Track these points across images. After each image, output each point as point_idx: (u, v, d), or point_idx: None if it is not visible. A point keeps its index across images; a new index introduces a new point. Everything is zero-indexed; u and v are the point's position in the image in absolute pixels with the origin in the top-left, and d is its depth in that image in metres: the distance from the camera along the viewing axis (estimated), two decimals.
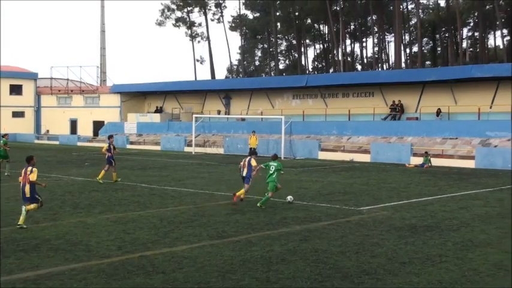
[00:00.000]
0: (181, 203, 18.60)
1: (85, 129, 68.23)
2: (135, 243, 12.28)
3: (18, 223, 13.84)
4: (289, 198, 18.94)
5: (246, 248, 11.91)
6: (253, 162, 18.63)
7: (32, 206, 14.12)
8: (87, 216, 15.71)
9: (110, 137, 26.39)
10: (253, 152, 19.64)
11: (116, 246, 12.03)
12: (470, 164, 36.43)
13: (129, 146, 57.17)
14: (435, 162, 36.93)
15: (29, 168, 14.24)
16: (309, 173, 30.47)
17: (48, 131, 71.37)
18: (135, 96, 67.36)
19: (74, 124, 69.96)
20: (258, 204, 17.69)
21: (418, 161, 37.33)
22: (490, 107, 43.13)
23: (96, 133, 66.39)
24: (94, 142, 62.37)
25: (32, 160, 14.50)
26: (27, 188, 14.11)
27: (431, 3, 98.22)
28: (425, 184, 25.54)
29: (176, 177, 27.59)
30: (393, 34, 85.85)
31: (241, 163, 19.06)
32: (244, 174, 18.80)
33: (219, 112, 59.14)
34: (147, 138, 59.23)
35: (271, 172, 18.22)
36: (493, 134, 39.89)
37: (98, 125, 66.95)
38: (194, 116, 52.46)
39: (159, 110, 64.73)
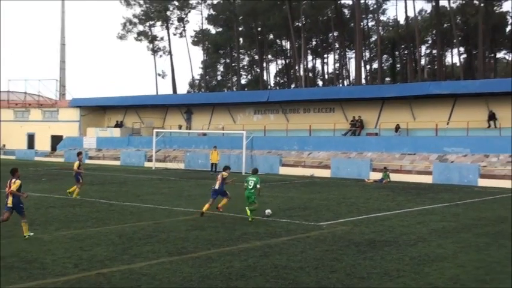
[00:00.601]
0: (140, 219, 18.42)
1: (43, 143, 67.07)
2: (92, 261, 12.10)
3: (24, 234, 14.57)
4: (268, 211, 19.19)
5: (205, 264, 11.84)
6: (224, 174, 19.47)
7: (24, 227, 14.70)
8: (43, 233, 15.43)
9: (79, 153, 26.32)
10: (226, 167, 20.18)
11: (73, 263, 11.83)
12: (427, 179, 36.99)
13: (88, 161, 56.38)
14: (394, 177, 37.38)
15: (13, 180, 14.79)
16: (270, 188, 30.50)
17: (4, 145, 69.97)
18: (95, 110, 66.62)
19: (31, 138, 68.73)
20: (250, 219, 18.04)
21: (377, 176, 37.75)
22: (447, 123, 43.93)
23: (54, 148, 65.35)
24: (52, 157, 61.43)
25: (16, 172, 15.02)
26: (10, 198, 14.69)
27: (391, 21, 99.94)
28: (384, 199, 25.81)
29: (136, 192, 27.34)
30: (354, 50, 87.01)
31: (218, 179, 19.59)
32: (216, 187, 19.40)
33: (180, 127, 58.91)
34: (107, 153, 58.59)
35: (250, 187, 18.52)
36: (450, 150, 40.59)
37: (56, 140, 65.89)
38: (155, 130, 52.15)
39: (119, 125, 64.13)
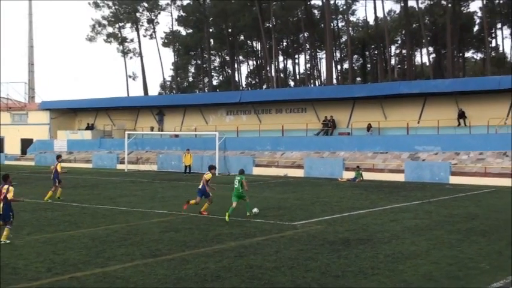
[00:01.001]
0: (113, 221, 18.27)
1: (12, 147, 66.10)
2: (65, 264, 11.96)
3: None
4: (255, 210, 19.68)
5: (180, 266, 11.78)
6: (207, 176, 20.09)
7: (6, 231, 14.48)
8: (14, 237, 15.17)
9: (59, 157, 26.88)
10: (212, 167, 20.88)
11: (45, 268, 11.68)
12: (400, 177, 37.32)
13: None
14: (366, 176, 37.65)
15: (5, 187, 14.61)
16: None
17: None
18: (65, 113, 65.89)
19: (0, 142, 67.76)
20: (227, 218, 18.25)
21: (350, 175, 37.98)
22: (418, 122, 44.37)
23: (24, 151, 64.52)
24: (22, 160, 60.64)
25: (8, 178, 14.91)
26: (1, 206, 14.47)
27: (360, 21, 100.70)
28: (358, 198, 25.97)
29: (108, 195, 27.12)
30: (324, 51, 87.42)
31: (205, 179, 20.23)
32: (200, 187, 20.22)
33: (152, 129, 58.59)
34: (78, 156, 58.03)
35: (236, 186, 19.21)
36: (421, 148, 41.00)
37: (26, 143, 65.04)
38: (127, 132, 51.81)
39: (90, 127, 63.54)
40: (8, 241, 14.44)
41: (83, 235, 15.64)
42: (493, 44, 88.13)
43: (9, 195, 14.58)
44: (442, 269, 11.54)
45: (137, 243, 14.32)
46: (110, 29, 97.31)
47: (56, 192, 24.93)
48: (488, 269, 11.60)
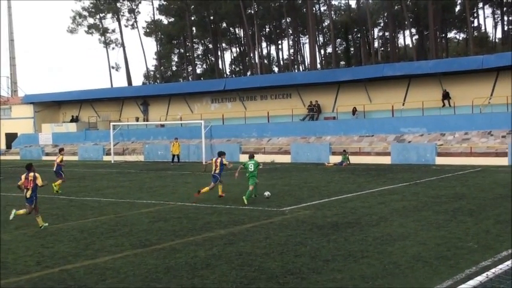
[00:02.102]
0: (101, 213, 18.22)
1: None
2: (55, 257, 11.92)
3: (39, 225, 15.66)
4: (267, 193, 20.50)
5: (170, 255, 11.78)
6: (225, 161, 21.08)
7: (22, 211, 16.12)
8: (3, 232, 15.12)
9: (62, 150, 28.07)
10: (222, 153, 21.60)
11: (35, 261, 11.63)
12: (386, 160, 37.51)
13: (45, 158, 55.53)
14: (353, 160, 37.79)
15: (31, 174, 16.01)
16: (231, 176, 30.46)
17: None
18: (49, 106, 65.47)
19: None
20: (245, 201, 19.15)
21: (336, 159, 38.11)
22: (403, 104, 44.54)
23: (9, 146, 64.10)
24: (7, 155, 60.23)
25: (32, 167, 16.36)
26: (29, 192, 15.83)
27: (342, 5, 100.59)
28: (345, 182, 26.07)
29: (96, 187, 27.04)
30: (307, 36, 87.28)
31: (212, 162, 21.21)
32: (215, 172, 20.85)
33: (137, 119, 58.38)
34: (64, 149, 57.63)
35: (251, 170, 20.14)
36: (406, 130, 41.20)
37: (10, 138, 64.61)
38: (112, 124, 51.58)
39: (74, 119, 63.21)
40: (46, 224, 15.86)
41: (72, 227, 15.59)
42: (475, 24, 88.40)
43: (39, 182, 15.96)
44: (431, 249, 11.63)
45: (126, 234, 14.30)
46: (91, 20, 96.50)
47: (57, 184, 25.07)
48: (476, 248, 11.70)
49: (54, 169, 26.00)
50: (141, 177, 32.45)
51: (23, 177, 16.24)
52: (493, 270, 4.76)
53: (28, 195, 15.88)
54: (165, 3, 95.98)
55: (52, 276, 10.41)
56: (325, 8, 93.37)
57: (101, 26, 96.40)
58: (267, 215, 16.90)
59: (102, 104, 62.61)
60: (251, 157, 21.28)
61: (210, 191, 20.98)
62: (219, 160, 21.01)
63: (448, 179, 26.09)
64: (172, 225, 15.44)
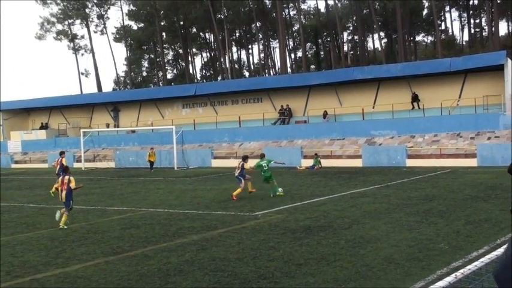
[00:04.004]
0: (72, 221, 17.98)
1: None
2: (25, 267, 11.74)
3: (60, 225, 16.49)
4: (280, 189, 22.14)
5: (142, 262, 11.69)
6: (247, 166, 22.48)
7: (64, 215, 16.78)
8: None
9: (62, 153, 29.04)
10: (246, 157, 23.20)
11: (4, 271, 11.45)
12: (357, 163, 37.75)
13: (14, 166, 54.83)
14: (325, 163, 37.96)
15: (66, 177, 17.01)
16: (203, 182, 30.42)
17: None
18: (18, 113, 64.63)
19: None
20: (275, 195, 21.60)
21: (308, 163, 38.22)
22: (373, 107, 44.90)
23: None
24: None
25: (68, 170, 17.99)
26: (64, 194, 16.86)
27: (312, 9, 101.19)
28: (317, 185, 26.16)
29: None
30: (277, 40, 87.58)
31: (238, 167, 22.36)
32: (236, 174, 22.11)
33: (107, 125, 57.95)
34: (33, 156, 57.03)
35: (265, 168, 21.90)
36: (377, 133, 41.52)
37: None
38: (82, 130, 51.13)
39: (44, 127, 62.50)
40: (65, 227, 16.37)
41: (42, 236, 15.38)
42: (443, 27, 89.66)
43: (72, 184, 16.88)
44: (403, 251, 11.71)
45: (98, 242, 14.16)
46: (59, 26, 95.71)
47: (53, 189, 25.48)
48: (447, 249, 11.81)
49: (57, 172, 27.01)
50: (112, 184, 32.18)
51: (59, 179, 17.59)
52: (461, 270, 4.82)
53: (63, 198, 16.91)
54: (134, 8, 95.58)
55: (22, 286, 10.26)
56: (294, 12, 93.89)
57: (69, 32, 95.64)
58: (239, 219, 16.87)
59: (72, 111, 62.02)
60: (262, 156, 23.19)
61: (243, 191, 22.00)
62: (241, 163, 22.38)
63: (419, 181, 26.33)
64: (144, 232, 15.33)
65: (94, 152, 52.99)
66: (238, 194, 21.56)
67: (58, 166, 27.36)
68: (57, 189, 24.72)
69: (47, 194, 27.43)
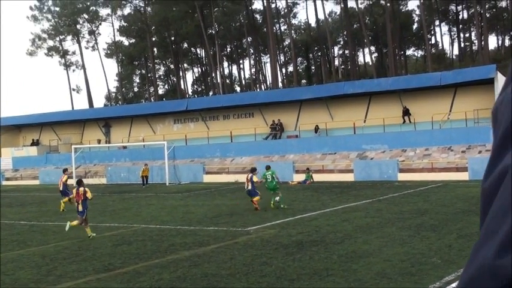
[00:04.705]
0: (63, 238, 17.91)
1: None
2: (16, 285, 11.66)
3: (88, 235, 17.30)
4: (278, 198, 22.98)
5: (134, 279, 11.63)
6: (255, 179, 23.11)
7: (75, 222, 17.77)
8: None
9: (65, 170, 29.34)
10: (254, 169, 24.02)
11: None
12: (349, 177, 37.77)
13: (4, 183, 54.56)
14: (317, 177, 37.96)
15: (81, 189, 17.86)
16: (195, 197, 30.35)
17: None
18: (9, 129, 64.35)
19: None
20: (282, 206, 22.64)
21: (300, 177, 38.21)
22: (364, 121, 45.00)
23: None
24: None
25: (82, 182, 18.54)
26: (80, 205, 17.64)
27: (302, 24, 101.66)
28: (309, 200, 26.15)
29: (57, 211, 26.58)
30: (268, 55, 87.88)
31: (247, 180, 23.18)
32: (248, 188, 22.92)
33: (99, 141, 57.78)
34: (24, 173, 56.75)
35: (269, 180, 22.96)
36: (368, 147, 41.59)
37: None
38: (73, 146, 50.98)
39: (35, 143, 62.28)
40: (94, 234, 17.40)
41: (33, 253, 15.28)
42: (433, 41, 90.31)
43: (89, 195, 17.73)
44: (395, 266, 11.70)
45: (89, 259, 14.08)
46: (50, 43, 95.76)
47: (62, 204, 26.43)
48: (440, 263, 11.82)
49: (61, 189, 27.21)
50: (103, 200, 32.04)
51: (74, 191, 18.26)
52: (454, 284, 4.83)
53: (80, 208, 17.61)
54: (125, 24, 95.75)
55: None
56: (285, 27, 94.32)
57: (61, 48, 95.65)
58: (231, 235, 16.83)
59: (63, 127, 61.82)
60: (268, 168, 24.09)
61: (261, 200, 23.03)
62: (249, 176, 23.10)
63: (411, 195, 26.38)
64: (136, 248, 15.26)
65: (85, 168, 52.78)
66: (257, 201, 22.71)
67: (62, 184, 27.64)
68: (69, 200, 25.74)
69: (38, 211, 27.33)
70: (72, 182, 31.22)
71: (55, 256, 14.70)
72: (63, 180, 27.46)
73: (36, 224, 21.98)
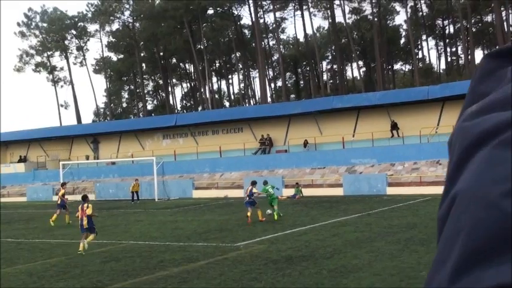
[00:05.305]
0: (51, 255, 17.77)
1: None
2: None
3: (79, 250, 17.45)
4: (268, 211, 24.03)
5: None
6: (255, 190, 24.25)
7: (91, 237, 18.13)
8: None
9: (64, 184, 30.89)
10: (254, 182, 24.97)
11: None
12: (339, 191, 37.79)
13: None
14: (306, 192, 37.95)
15: (85, 205, 18.49)
16: (184, 213, 30.24)
17: None
18: None
19: None
20: (276, 218, 23.52)
21: (290, 192, 38.17)
22: (353, 136, 45.11)
23: None
24: None
25: (87, 198, 19.20)
26: (85, 220, 18.18)
27: (291, 39, 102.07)
28: (298, 214, 26.12)
29: (45, 228, 26.41)
30: (257, 70, 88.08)
31: (246, 192, 24.53)
32: (247, 200, 23.94)
33: (87, 157, 57.54)
34: (12, 190, 56.37)
35: (272, 192, 24.40)
36: (357, 161, 41.67)
37: None
38: (61, 163, 50.73)
39: (22, 160, 61.91)
40: (83, 253, 17.34)
41: (20, 271, 15.14)
42: (420, 56, 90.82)
43: (88, 211, 18.28)
44: (385, 280, 11.69)
45: (77, 276, 13.96)
46: (38, 59, 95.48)
47: (63, 216, 27.57)
48: None
49: (59, 202, 28.28)
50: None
51: (79, 208, 18.66)
52: None
53: (85, 225, 18.15)
54: (114, 40, 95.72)
55: None
56: (274, 42, 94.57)
57: (48, 64, 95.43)
58: (221, 250, 16.76)
59: (51, 143, 61.54)
60: (265, 183, 25.49)
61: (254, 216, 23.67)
62: (249, 189, 24.19)
63: (400, 209, 26.40)
64: (124, 265, 15.15)
65: (74, 184, 52.47)
66: (262, 215, 23.81)
67: (60, 198, 28.79)
68: (71, 217, 26.23)
69: (25, 228, 27.12)
70: (68, 196, 31.70)
71: (42, 274, 14.57)
72: (59, 195, 28.95)
73: (24, 241, 21.80)
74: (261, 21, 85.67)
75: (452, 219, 0.59)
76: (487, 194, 0.55)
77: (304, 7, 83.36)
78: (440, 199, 0.64)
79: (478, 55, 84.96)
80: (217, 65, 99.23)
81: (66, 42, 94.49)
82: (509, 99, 0.61)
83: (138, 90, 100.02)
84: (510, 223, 0.52)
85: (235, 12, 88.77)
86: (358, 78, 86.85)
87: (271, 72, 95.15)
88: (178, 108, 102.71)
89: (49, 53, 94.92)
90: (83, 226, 18.31)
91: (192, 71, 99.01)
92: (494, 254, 0.52)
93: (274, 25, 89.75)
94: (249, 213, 23.43)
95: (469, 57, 75.62)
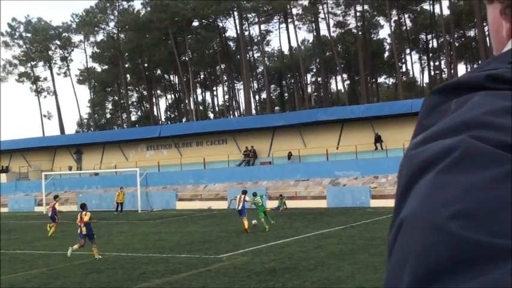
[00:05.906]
0: (32, 266, 17.59)
1: None
2: None
3: (94, 257, 18.00)
4: (254, 222, 24.70)
5: None
6: (247, 198, 24.82)
7: (95, 251, 18.34)
8: None
9: (56, 196, 31.38)
10: (245, 191, 25.53)
11: None
12: (322, 203, 37.84)
13: None
14: (290, 204, 37.94)
15: (84, 213, 19.28)
16: (167, 224, 30.10)
17: None
18: None
19: None
20: (267, 228, 24.14)
21: (273, 204, 38.13)
22: (337, 148, 45.24)
23: None
24: None
25: (85, 206, 20.04)
26: (84, 228, 18.94)
27: (276, 51, 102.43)
28: (282, 226, 26.09)
29: (26, 239, 26.17)
30: (242, 82, 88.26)
31: (237, 199, 24.76)
32: (239, 208, 24.23)
33: (70, 168, 57.16)
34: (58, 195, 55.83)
35: (260, 204, 25.73)
36: (341, 174, 41.76)
37: None
38: (44, 173, 50.35)
39: (4, 170, 61.36)
40: (100, 256, 18.06)
41: (1, 283, 14.96)
42: (404, 69, 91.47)
43: (85, 218, 19.02)
44: None
45: None
46: (21, 68, 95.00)
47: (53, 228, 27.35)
48: None
49: (50, 214, 28.31)
50: (74, 227, 31.47)
51: (78, 216, 19.39)
52: None
53: (84, 231, 18.85)
54: (98, 51, 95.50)
55: None
56: (258, 54, 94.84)
57: (32, 74, 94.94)
58: (204, 262, 16.68)
59: (33, 154, 61.08)
60: (255, 194, 26.43)
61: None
62: (242, 197, 24.52)
63: (383, 221, 26.45)
64: (107, 277, 15.03)
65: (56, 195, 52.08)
66: (248, 225, 24.05)
67: (51, 210, 28.64)
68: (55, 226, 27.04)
69: (6, 239, 26.83)
70: (60, 208, 31.60)
71: (23, 285, 14.41)
72: (51, 206, 28.92)
73: (4, 252, 21.55)
74: (246, 33, 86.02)
75: (400, 243, 0.60)
76: (433, 217, 0.55)
77: (289, 20, 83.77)
78: (391, 222, 0.65)
79: (461, 69, 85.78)
80: (202, 76, 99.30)
81: (50, 52, 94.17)
82: (451, 127, 0.63)
83: (122, 101, 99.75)
84: (458, 245, 0.52)
85: (220, 25, 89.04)
86: (343, 91, 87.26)
87: (255, 84, 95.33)
88: (163, 120, 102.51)
89: (33, 63, 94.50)
90: (82, 233, 19.03)
91: (177, 82, 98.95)
92: (444, 276, 0.51)
93: (259, 37, 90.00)
94: (245, 222, 23.94)
95: (452, 71, 76.25)
